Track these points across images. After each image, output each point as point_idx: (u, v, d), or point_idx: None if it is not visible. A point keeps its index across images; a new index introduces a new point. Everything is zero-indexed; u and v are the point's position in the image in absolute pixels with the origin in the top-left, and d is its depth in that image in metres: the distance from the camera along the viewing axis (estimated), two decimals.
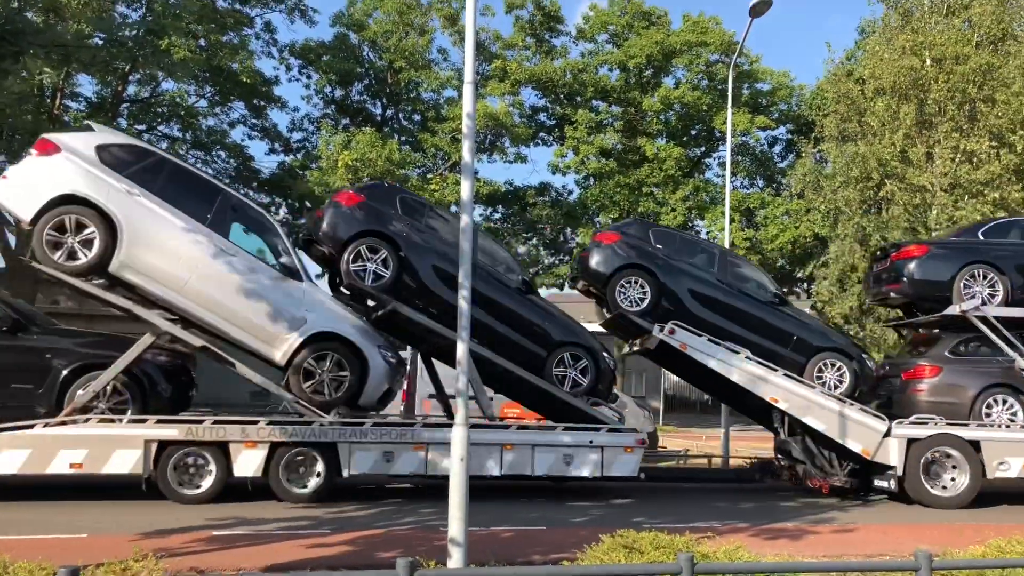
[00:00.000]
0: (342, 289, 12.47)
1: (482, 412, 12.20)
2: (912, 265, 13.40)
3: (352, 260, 11.56)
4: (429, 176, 27.09)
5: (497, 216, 31.28)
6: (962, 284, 13.09)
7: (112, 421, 10.38)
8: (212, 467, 10.63)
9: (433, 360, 13.84)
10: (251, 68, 26.51)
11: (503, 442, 11.77)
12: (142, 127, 25.76)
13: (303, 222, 29.81)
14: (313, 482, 11.01)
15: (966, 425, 12.67)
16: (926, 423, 12.69)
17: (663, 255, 13.36)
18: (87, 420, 10.26)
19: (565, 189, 32.09)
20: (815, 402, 12.80)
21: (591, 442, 12.11)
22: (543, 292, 40.45)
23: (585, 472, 12.06)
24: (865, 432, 12.65)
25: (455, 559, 6.42)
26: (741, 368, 12.87)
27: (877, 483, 12.96)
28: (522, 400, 13.88)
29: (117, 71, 21.97)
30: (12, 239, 20.31)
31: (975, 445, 12.50)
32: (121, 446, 10.27)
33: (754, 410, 14.49)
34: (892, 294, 13.93)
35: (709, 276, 13.42)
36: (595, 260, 13.42)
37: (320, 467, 11.02)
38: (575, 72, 29.47)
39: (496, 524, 9.67)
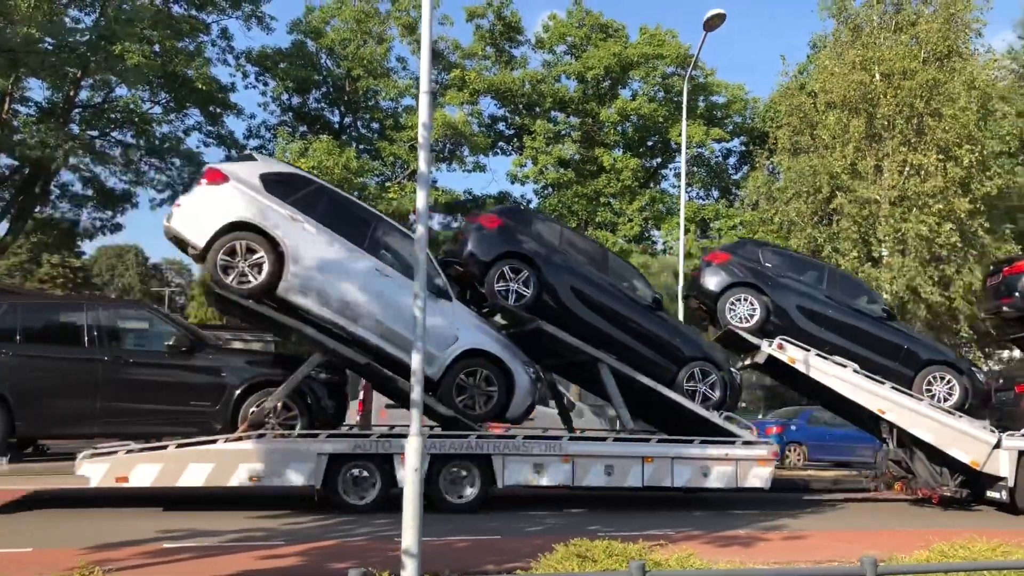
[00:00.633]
0: (484, 308, 12.89)
1: (622, 426, 12.75)
2: None
3: (496, 280, 12.07)
4: (387, 185, 26.98)
5: (456, 225, 31.24)
6: None
7: (284, 436, 10.89)
8: (377, 478, 11.24)
9: (554, 375, 14.41)
10: (207, 75, 26.14)
11: (644, 455, 12.24)
12: (95, 133, 25.32)
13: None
14: (469, 492, 11.62)
15: None
16: None
17: (772, 273, 13.83)
18: (261, 435, 10.73)
19: (524, 198, 32.21)
20: (922, 414, 13.15)
21: (727, 455, 12.55)
22: None
23: (721, 484, 12.52)
24: (974, 444, 12.92)
25: (409, 570, 6.39)
26: (848, 381, 13.23)
27: (989, 494, 13.19)
28: (646, 415, 14.02)
29: (68, 76, 21.57)
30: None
31: None
32: (295, 459, 10.86)
33: (864, 420, 14.75)
34: (1004, 308, 14.22)
35: (817, 293, 13.84)
36: (706, 279, 13.97)
37: (476, 478, 11.60)
38: (534, 82, 29.58)
39: (452, 534, 9.66)
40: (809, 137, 21.89)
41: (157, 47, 23.66)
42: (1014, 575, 6.64)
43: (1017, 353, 22.17)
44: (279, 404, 10.96)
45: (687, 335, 13.42)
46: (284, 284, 10.82)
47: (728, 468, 12.51)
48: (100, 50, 19.79)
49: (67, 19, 20.41)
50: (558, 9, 30.31)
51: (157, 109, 27.17)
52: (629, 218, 28.36)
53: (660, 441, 12.57)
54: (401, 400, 12.81)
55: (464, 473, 11.63)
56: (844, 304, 13.82)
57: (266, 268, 10.71)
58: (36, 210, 26.03)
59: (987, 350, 25.83)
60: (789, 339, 13.43)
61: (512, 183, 30.26)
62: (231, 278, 10.65)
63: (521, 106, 30.35)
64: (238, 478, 10.58)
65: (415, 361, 6.98)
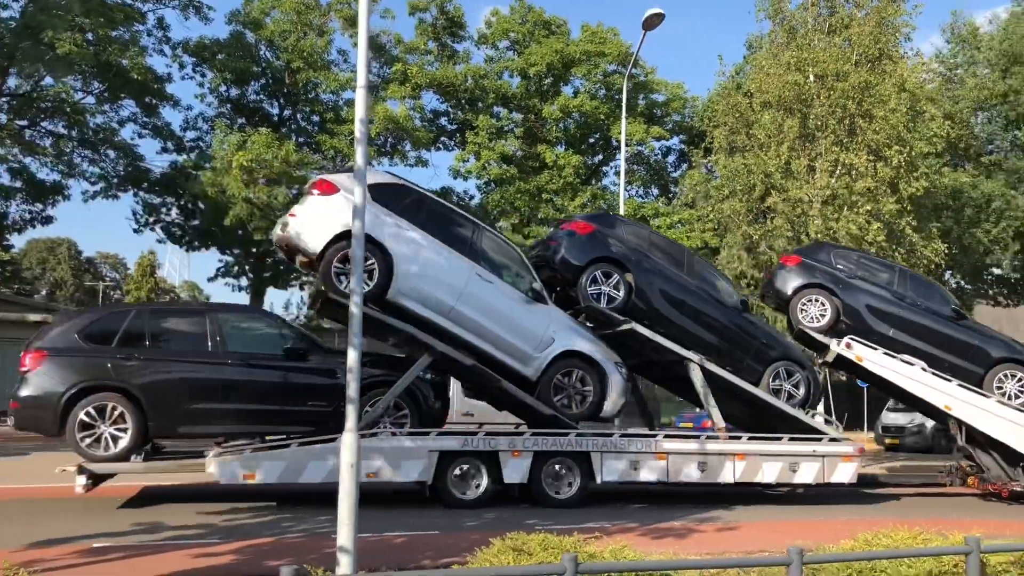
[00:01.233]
0: (573, 310, 13.11)
1: (713, 424, 13.08)
2: None
3: (589, 284, 12.48)
4: None
5: None
6: None
7: (395, 435, 11.38)
8: (484, 474, 11.66)
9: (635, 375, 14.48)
10: (142, 65, 25.62)
11: (735, 452, 12.65)
12: (23, 122, 24.62)
13: (197, 223, 29.13)
14: (569, 488, 12.02)
15: None
16: None
17: (843, 275, 14.20)
18: (375, 434, 11.17)
19: (467, 194, 32.22)
20: (988, 410, 13.40)
21: (814, 451, 12.92)
22: None
23: (808, 479, 12.92)
24: None
25: (344, 566, 6.38)
26: (914, 378, 13.63)
27: None
28: (726, 412, 14.03)
29: None
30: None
31: None
32: (409, 457, 11.32)
33: (935, 415, 15.07)
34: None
35: (887, 293, 14.15)
36: (779, 281, 14.48)
37: (576, 474, 12.00)
38: (477, 78, 29.59)
39: (390, 530, 9.64)
40: (745, 136, 22.26)
41: (90, 35, 23.07)
42: (931, 561, 6.87)
43: None
44: (391, 404, 11.42)
45: (773, 335, 13.96)
46: (394, 289, 11.23)
47: (815, 464, 12.93)
48: (26, 38, 19.21)
49: None
50: (501, 5, 30.44)
51: (90, 99, 26.54)
52: (571, 215, 28.56)
53: (751, 439, 12.97)
54: (497, 402, 13.40)
55: (565, 470, 12.04)
56: (914, 304, 14.18)
57: (377, 274, 11.09)
58: None
59: None
60: (857, 339, 13.82)
61: (455, 178, 30.32)
62: (344, 284, 10.87)
63: (464, 101, 30.33)
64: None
65: (351, 358, 6.99)
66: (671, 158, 33.71)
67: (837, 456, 13.03)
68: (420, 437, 11.48)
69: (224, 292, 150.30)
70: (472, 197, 31.82)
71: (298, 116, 30.91)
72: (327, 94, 29.44)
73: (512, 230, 28.65)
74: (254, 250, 29.08)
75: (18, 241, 56.34)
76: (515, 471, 11.75)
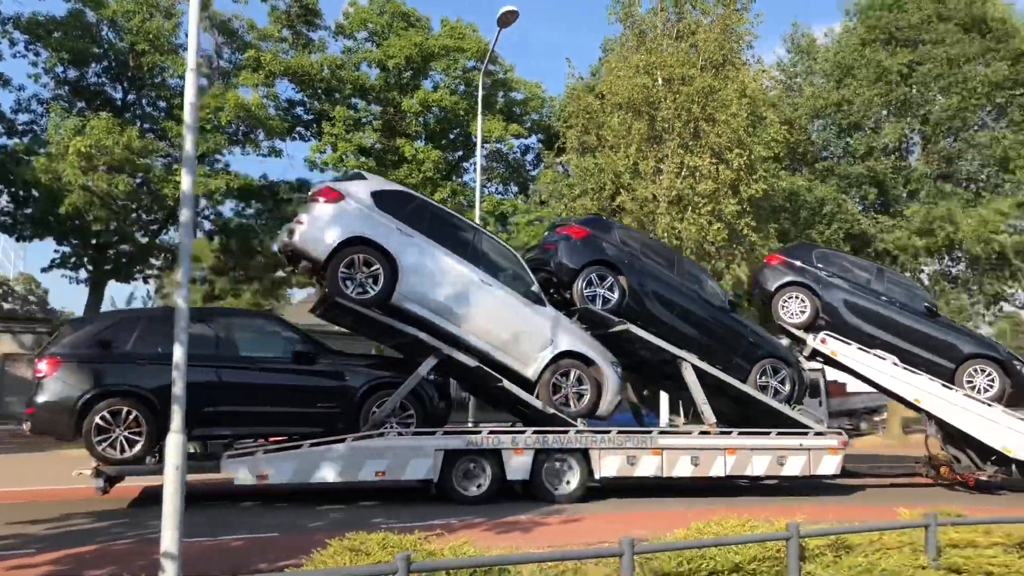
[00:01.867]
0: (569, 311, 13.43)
1: (706, 422, 13.45)
2: None
3: (584, 286, 12.96)
4: (175, 167, 25.59)
5: (250, 212, 30.09)
6: None
7: (402, 434, 11.80)
8: (488, 471, 12.09)
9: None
10: None
11: (726, 447, 13.20)
12: None
13: (30, 212, 27.26)
14: (570, 483, 12.49)
15: None
16: None
17: (823, 273, 14.95)
18: (382, 434, 11.66)
19: None
20: (956, 404, 14.11)
21: (800, 445, 13.52)
22: (299, 292, 39.59)
23: (795, 472, 13.48)
24: (1006, 432, 13.84)
25: (168, 572, 6.12)
26: (886, 373, 14.45)
27: None
28: (720, 409, 14.18)
29: None
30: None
31: None
32: (416, 455, 11.73)
33: (911, 407, 15.75)
34: None
35: (865, 291, 14.91)
36: (762, 278, 15.41)
37: (576, 471, 12.48)
38: (333, 68, 28.94)
39: (229, 532, 9.34)
40: (595, 137, 22.70)
41: None
42: (756, 547, 7.22)
43: None
44: (397, 404, 11.84)
45: (759, 334, 14.43)
46: (398, 293, 11.68)
47: (802, 457, 13.47)
48: None
49: None
50: None
51: None
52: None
53: (741, 434, 13.42)
54: (498, 403, 13.94)
55: (565, 466, 12.49)
56: (890, 301, 14.89)
57: (382, 279, 11.53)
58: None
59: None
60: (833, 334, 14.61)
61: (311, 170, 29.54)
62: (351, 289, 11.42)
63: (320, 91, 29.64)
64: (365, 474, 11.50)
65: (177, 355, 6.73)
66: (530, 156, 34.07)
67: (822, 449, 13.64)
68: (426, 436, 11.90)
69: (61, 285, 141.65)
70: None
71: (143, 101, 29.38)
72: (175, 79, 28.11)
73: None
74: (94, 241, 27.49)
75: None
76: (518, 468, 12.19)
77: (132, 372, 10.80)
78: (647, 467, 12.82)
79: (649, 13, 22.91)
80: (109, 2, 26.96)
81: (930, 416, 15.07)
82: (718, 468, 13.17)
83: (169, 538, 6.20)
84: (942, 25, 28.01)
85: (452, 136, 31.40)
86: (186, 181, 6.84)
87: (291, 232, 11.81)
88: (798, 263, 15.25)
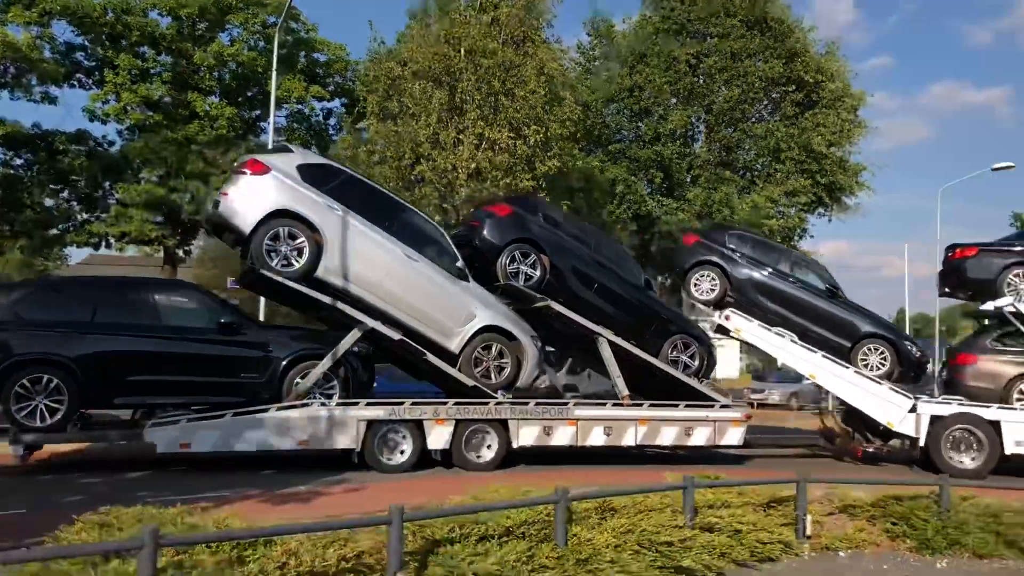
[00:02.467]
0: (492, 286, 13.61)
1: (619, 394, 13.90)
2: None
3: (508, 263, 13.26)
4: None
5: (19, 163, 27.49)
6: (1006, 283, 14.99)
7: (324, 405, 12.00)
8: (410, 441, 12.40)
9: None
10: None
11: (638, 418, 13.76)
12: None
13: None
14: (488, 453, 12.87)
15: (988, 407, 14.18)
16: (950, 403, 14.46)
17: (733, 254, 15.58)
18: (305, 405, 11.84)
19: (106, 139, 29.22)
20: (848, 380, 14.89)
21: (707, 417, 14.18)
22: (79, 252, 36.74)
23: (701, 442, 14.17)
24: (890, 407, 14.58)
25: None
26: (783, 349, 15.32)
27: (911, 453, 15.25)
28: (634, 383, 14.50)
29: None
30: None
31: (995, 425, 14.04)
32: (339, 425, 11.95)
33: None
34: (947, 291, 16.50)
35: (771, 271, 15.58)
36: (677, 257, 16.35)
37: (495, 440, 12.85)
38: (119, 12, 26.87)
39: None
40: (397, 104, 22.50)
41: None
42: (528, 511, 7.51)
43: None
44: (321, 376, 11.94)
45: (672, 311, 15.35)
46: (322, 267, 11.81)
47: (708, 429, 14.14)
48: None
49: None
50: None
51: None
52: (224, 169, 27.11)
53: (651, 406, 13.97)
54: (422, 375, 14.18)
55: (484, 436, 12.87)
56: (795, 281, 15.60)
57: (307, 252, 11.66)
58: None
59: None
60: (737, 311, 15.33)
61: (91, 120, 27.40)
62: (275, 262, 11.55)
63: (104, 36, 27.44)
64: (288, 443, 11.71)
65: None
66: (333, 120, 33.26)
67: (727, 421, 14.36)
68: (349, 407, 12.11)
69: None
70: (113, 143, 29.02)
71: None
72: None
73: (158, 183, 26.63)
74: None
75: None
76: (438, 438, 12.54)
77: (54, 340, 10.77)
78: (562, 437, 13.33)
79: None
80: None
81: (825, 391, 16.60)
82: (629, 438, 13.76)
83: None
84: (728, 20, 29.86)
85: (250, 94, 30.07)
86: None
87: (216, 204, 11.94)
88: (711, 243, 16.03)
